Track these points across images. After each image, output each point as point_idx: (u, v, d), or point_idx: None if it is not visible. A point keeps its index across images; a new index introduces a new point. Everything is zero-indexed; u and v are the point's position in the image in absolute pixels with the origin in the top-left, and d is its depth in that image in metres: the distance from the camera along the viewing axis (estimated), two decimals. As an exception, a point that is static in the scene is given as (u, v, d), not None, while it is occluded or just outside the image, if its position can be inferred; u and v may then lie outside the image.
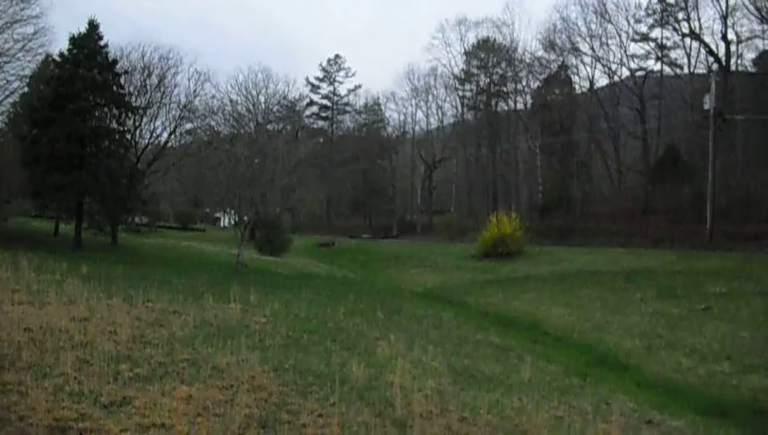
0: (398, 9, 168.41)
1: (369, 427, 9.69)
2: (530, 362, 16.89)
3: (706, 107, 51.58)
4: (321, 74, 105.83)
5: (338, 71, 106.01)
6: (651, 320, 25.87)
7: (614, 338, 23.27)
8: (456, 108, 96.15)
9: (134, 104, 45.59)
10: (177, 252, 44.49)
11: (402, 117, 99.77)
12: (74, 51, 41.58)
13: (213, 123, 50.61)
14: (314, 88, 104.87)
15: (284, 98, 77.96)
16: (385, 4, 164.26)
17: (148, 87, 47.93)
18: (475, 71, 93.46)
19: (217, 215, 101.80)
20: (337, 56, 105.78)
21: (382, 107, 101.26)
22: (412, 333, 19.26)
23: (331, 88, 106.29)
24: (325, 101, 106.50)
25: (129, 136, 46.11)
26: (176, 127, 48.49)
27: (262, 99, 64.86)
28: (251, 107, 59.27)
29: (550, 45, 78.43)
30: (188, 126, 49.82)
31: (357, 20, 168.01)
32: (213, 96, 54.14)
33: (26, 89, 47.58)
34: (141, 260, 34.72)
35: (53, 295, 16.88)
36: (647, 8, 72.49)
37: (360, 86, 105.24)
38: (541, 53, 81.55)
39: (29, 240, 36.00)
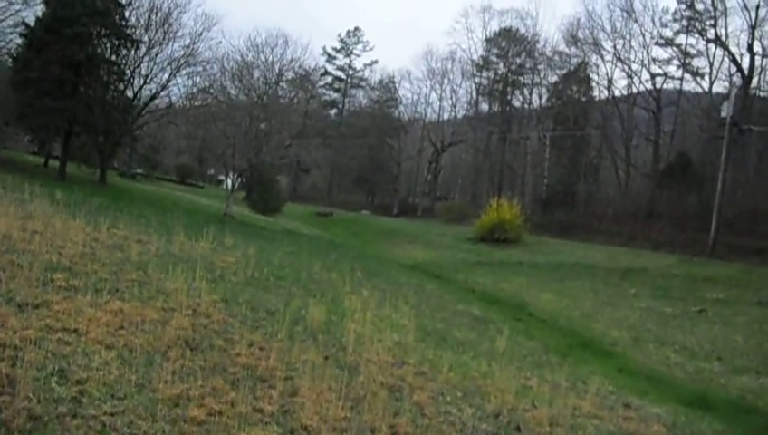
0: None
1: (312, 366, 8.98)
2: (507, 335, 15.85)
3: (723, 114, 50.41)
4: (338, 45, 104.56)
5: (356, 43, 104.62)
6: (642, 315, 25.28)
7: (601, 326, 22.52)
8: (471, 94, 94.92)
9: (136, 38, 43.98)
10: (167, 198, 43.47)
11: (416, 97, 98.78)
12: (79, -27, 40.09)
13: (218, 71, 48.81)
14: (330, 58, 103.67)
15: (299, 66, 76.78)
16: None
17: (153, 24, 46.26)
18: (494, 59, 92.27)
19: (220, 177, 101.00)
20: (356, 28, 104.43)
21: (397, 85, 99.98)
22: (388, 294, 18.21)
23: (347, 60, 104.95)
24: (340, 73, 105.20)
25: (127, 70, 44.63)
26: (178, 68, 46.98)
27: (275, 64, 63.61)
28: (261, 69, 57.91)
29: (572, 40, 77.14)
30: (189, 69, 48.15)
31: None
32: (219, 42, 52.28)
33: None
34: (125, 199, 33.64)
35: (12, 210, 15.74)
36: (674, 13, 71.04)
37: (376, 61, 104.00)
38: (562, 47, 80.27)
39: (14, 167, 34.97)
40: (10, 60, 41.90)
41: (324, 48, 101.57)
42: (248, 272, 15.68)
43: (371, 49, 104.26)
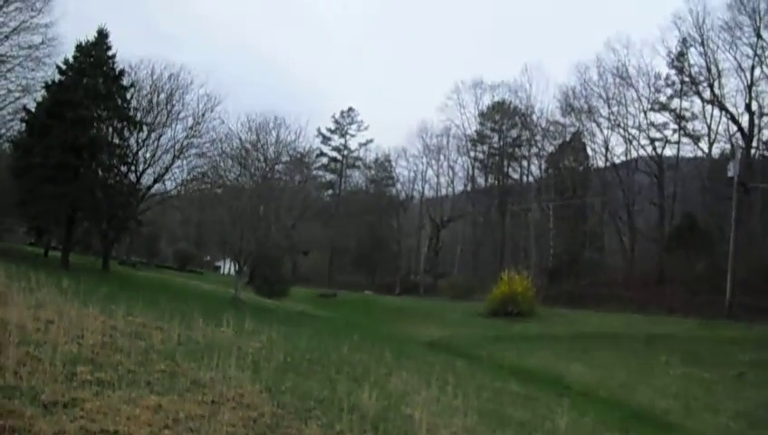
0: (413, 67, 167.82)
1: None
2: (562, 412, 14.62)
3: (730, 174, 49.98)
4: (333, 126, 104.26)
5: (350, 123, 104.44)
6: (682, 382, 24.25)
7: (645, 397, 21.44)
8: (468, 168, 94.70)
9: (139, 120, 43.45)
10: (171, 285, 42.40)
11: (412, 174, 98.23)
12: (80, 58, 39.85)
13: (218, 155, 48.50)
14: (325, 139, 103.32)
15: (293, 149, 76.49)
16: (401, 62, 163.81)
17: (155, 105, 45.95)
18: (488, 132, 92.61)
19: (218, 263, 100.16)
20: (350, 109, 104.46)
21: (393, 163, 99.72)
22: (424, 374, 17.06)
23: (342, 140, 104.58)
24: (335, 154, 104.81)
25: (129, 153, 43.93)
26: (181, 150, 46.48)
27: (271, 147, 63.36)
28: (259, 152, 57.61)
29: (568, 109, 77.13)
30: (194, 151, 47.79)
31: (372, 75, 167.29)
32: (222, 122, 51.91)
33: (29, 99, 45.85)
34: (132, 286, 32.58)
35: (21, 299, 14.73)
36: (666, 78, 71.13)
37: (371, 141, 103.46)
38: (557, 116, 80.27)
39: (14, 257, 33.88)
40: (10, 147, 41.22)
41: (319, 129, 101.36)
42: (279, 357, 14.57)
43: (366, 128, 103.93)
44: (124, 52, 43.63)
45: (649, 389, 22.74)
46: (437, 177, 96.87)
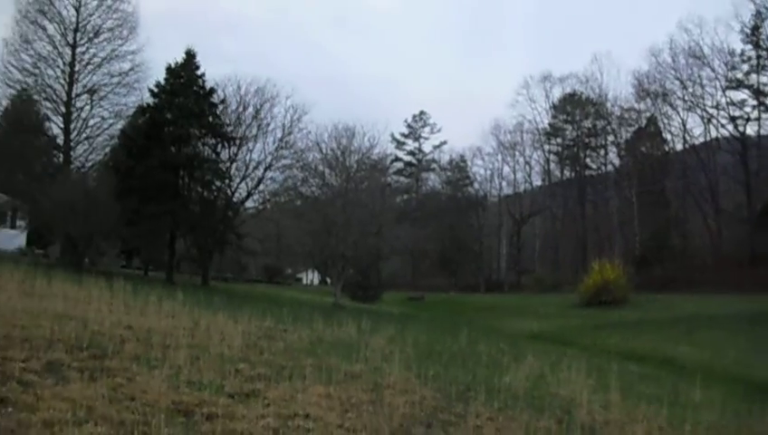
0: (481, 65, 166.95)
1: (554, 432, 8.54)
2: (694, 387, 14.56)
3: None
4: (405, 130, 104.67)
5: (422, 127, 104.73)
6: None
7: (765, 373, 20.73)
8: (544, 163, 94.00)
9: (231, 135, 44.61)
10: (269, 295, 43.24)
11: (489, 172, 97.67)
12: (171, 80, 41.22)
13: (305, 166, 49.25)
14: (399, 144, 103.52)
15: (368, 156, 76.85)
16: (469, 61, 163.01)
17: (243, 119, 47.05)
18: (562, 125, 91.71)
19: (299, 275, 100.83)
20: (422, 112, 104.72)
21: (468, 163, 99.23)
22: (547, 361, 17.13)
23: (416, 144, 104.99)
24: (410, 158, 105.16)
25: (224, 167, 44.99)
26: (271, 163, 47.45)
27: (347, 155, 63.87)
28: (338, 160, 58.20)
29: (641, 93, 75.91)
30: (283, 163, 48.74)
31: (441, 76, 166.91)
32: (308, 133, 52.72)
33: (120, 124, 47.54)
34: (237, 297, 33.36)
35: (152, 309, 15.68)
36: (741, 54, 69.42)
37: (445, 142, 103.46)
38: (632, 103, 79.07)
39: (118, 277, 34.97)
40: (108, 170, 42.47)
41: (392, 135, 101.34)
42: (409, 350, 14.81)
43: (439, 131, 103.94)
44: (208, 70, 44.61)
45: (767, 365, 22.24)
46: (514, 173, 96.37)
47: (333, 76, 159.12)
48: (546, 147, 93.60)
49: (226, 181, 45.82)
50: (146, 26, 67.05)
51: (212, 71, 64.52)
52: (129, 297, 17.93)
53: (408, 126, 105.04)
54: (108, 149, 47.93)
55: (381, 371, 11.27)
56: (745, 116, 70.75)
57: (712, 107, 71.60)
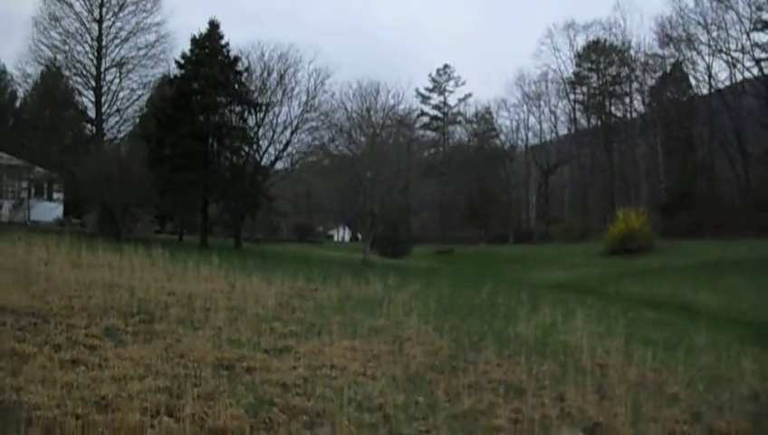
0: (504, 15, 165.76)
1: (557, 374, 9.49)
2: (698, 331, 15.51)
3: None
4: (430, 85, 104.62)
5: (447, 80, 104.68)
6: None
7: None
8: (569, 112, 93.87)
9: (257, 102, 45.72)
10: (301, 254, 44.33)
11: (515, 124, 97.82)
12: (196, 51, 42.20)
13: (330, 126, 50.24)
14: (424, 99, 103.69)
15: (394, 112, 77.43)
16: (491, 12, 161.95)
17: (268, 86, 48.06)
18: (586, 73, 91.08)
19: (330, 232, 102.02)
20: (446, 66, 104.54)
21: (494, 115, 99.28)
22: (564, 310, 18.07)
23: (441, 98, 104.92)
24: (436, 112, 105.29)
25: (251, 133, 46.12)
26: (297, 126, 48.50)
27: (373, 112, 64.50)
28: (363, 118, 58.85)
29: (666, 39, 75.48)
30: (309, 125, 49.82)
31: (464, 28, 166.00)
32: (332, 95, 53.58)
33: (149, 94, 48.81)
34: (269, 258, 34.50)
35: (190, 275, 16.84)
36: (767, -7, 68.61)
37: (470, 95, 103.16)
38: (655, 49, 78.64)
39: (158, 243, 36.29)
40: (143, 140, 43.72)
41: (417, 90, 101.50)
42: (431, 305, 15.85)
43: (463, 84, 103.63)
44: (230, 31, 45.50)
45: (780, 308, 23.00)
46: (540, 123, 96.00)
47: (357, 29, 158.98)
48: (571, 96, 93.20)
49: (254, 146, 46.94)
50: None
51: (234, 33, 65.07)
52: (167, 264, 19.11)
53: (433, 80, 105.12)
54: (137, 120, 49.48)
55: (403, 324, 12.33)
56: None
57: (736, 51, 71.26)
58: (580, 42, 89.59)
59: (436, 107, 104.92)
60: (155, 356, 8.12)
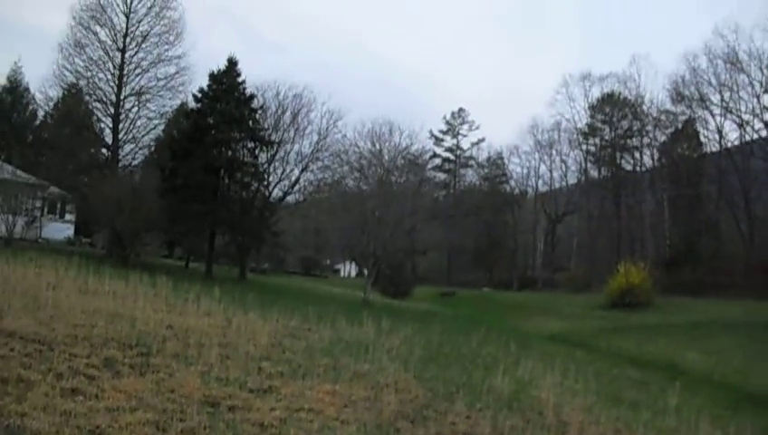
0: (521, 64, 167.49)
1: (519, 430, 10.00)
2: (674, 393, 16.08)
3: None
4: (444, 127, 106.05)
5: (461, 124, 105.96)
6: None
7: (760, 380, 22.11)
8: (580, 162, 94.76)
9: (269, 140, 47.01)
10: (303, 289, 45.14)
11: (525, 170, 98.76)
12: (213, 86, 43.36)
13: (340, 166, 51.45)
14: (438, 141, 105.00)
15: (407, 151, 78.37)
16: (508, 60, 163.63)
17: (281, 124, 49.40)
18: (599, 125, 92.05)
19: (337, 266, 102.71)
20: (461, 109, 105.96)
21: (505, 160, 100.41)
22: (547, 363, 18.70)
23: (454, 141, 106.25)
24: (448, 154, 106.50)
25: (261, 169, 47.21)
26: (307, 164, 49.76)
27: (385, 151, 65.50)
28: (375, 157, 59.80)
29: (677, 97, 76.46)
30: (319, 164, 51.13)
31: (481, 75, 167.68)
32: (344, 135, 54.90)
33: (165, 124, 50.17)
34: (271, 293, 35.15)
35: (191, 308, 17.48)
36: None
37: (483, 139, 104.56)
38: (668, 105, 79.65)
39: (164, 270, 37.08)
40: (157, 168, 44.90)
41: (431, 131, 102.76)
42: (418, 351, 16.50)
43: (477, 128, 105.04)
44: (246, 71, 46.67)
45: (766, 373, 23.48)
46: (550, 171, 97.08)
47: (372, 72, 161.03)
48: (583, 146, 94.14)
49: (264, 182, 48.00)
50: (191, 27, 69.44)
51: (252, 67, 66.50)
52: (170, 294, 19.82)
53: (447, 122, 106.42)
54: (152, 148, 50.73)
55: (385, 370, 12.85)
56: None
57: (747, 112, 72.15)
58: (595, 93, 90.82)
59: (449, 149, 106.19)
60: (147, 389, 8.78)
